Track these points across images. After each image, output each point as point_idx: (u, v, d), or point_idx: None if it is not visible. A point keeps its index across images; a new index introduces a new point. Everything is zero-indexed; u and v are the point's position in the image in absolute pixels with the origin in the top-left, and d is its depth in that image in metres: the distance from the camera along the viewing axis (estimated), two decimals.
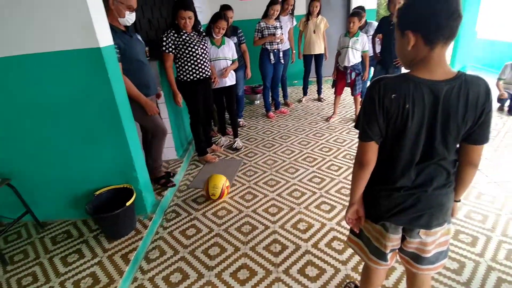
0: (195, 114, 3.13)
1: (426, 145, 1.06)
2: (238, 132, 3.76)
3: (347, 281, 1.79)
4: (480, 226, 2.13)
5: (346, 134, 3.82)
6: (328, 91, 5.45)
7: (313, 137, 3.79)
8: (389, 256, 1.26)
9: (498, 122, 3.85)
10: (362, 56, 3.89)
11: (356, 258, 1.93)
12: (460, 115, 1.00)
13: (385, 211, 1.18)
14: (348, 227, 1.62)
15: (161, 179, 2.77)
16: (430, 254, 1.20)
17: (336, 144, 3.55)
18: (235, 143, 3.64)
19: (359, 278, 1.74)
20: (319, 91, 5.18)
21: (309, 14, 4.56)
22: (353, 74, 3.90)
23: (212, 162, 3.35)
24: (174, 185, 2.81)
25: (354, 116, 4.33)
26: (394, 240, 1.21)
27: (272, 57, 4.17)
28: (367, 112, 1.08)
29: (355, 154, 1.21)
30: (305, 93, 5.24)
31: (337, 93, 4.15)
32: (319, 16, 4.57)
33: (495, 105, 4.18)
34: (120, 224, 2.11)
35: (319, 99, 5.18)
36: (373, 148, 1.10)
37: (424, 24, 0.96)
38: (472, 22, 5.77)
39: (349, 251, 1.99)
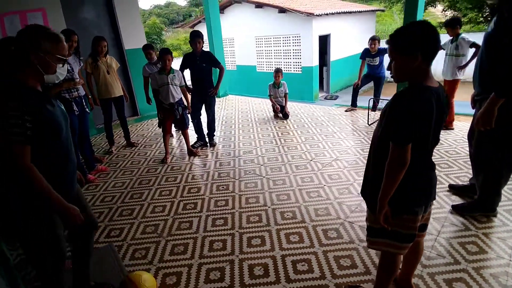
0: None
1: (433, 138, 1.41)
2: None
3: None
4: None
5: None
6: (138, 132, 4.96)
7: (169, 184, 3.43)
8: None
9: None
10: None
11: None
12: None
13: (417, 198, 1.44)
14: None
15: None
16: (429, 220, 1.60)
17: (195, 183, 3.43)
18: None
19: None
20: (126, 136, 4.63)
21: (96, 54, 3.97)
22: (180, 109, 3.86)
23: None
24: None
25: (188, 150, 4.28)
26: (421, 219, 1.51)
27: (75, 107, 3.32)
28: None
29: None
30: (112, 142, 4.51)
31: (167, 131, 3.97)
32: (107, 56, 4.09)
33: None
34: None
35: (131, 145, 4.64)
36: (409, 149, 1.32)
37: (429, 48, 1.29)
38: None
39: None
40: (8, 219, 1.59)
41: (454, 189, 2.84)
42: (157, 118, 4.32)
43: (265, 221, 2.62)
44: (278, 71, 5.50)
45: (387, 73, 9.51)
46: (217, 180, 3.41)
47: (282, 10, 11.31)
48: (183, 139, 4.25)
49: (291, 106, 6.00)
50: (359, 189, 2.89)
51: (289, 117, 5.45)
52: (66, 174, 1.52)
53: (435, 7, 18.29)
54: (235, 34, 13.15)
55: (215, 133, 4.55)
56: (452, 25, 4.12)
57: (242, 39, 13.08)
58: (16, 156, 1.28)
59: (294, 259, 2.16)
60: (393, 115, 1.32)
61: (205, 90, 4.15)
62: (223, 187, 3.24)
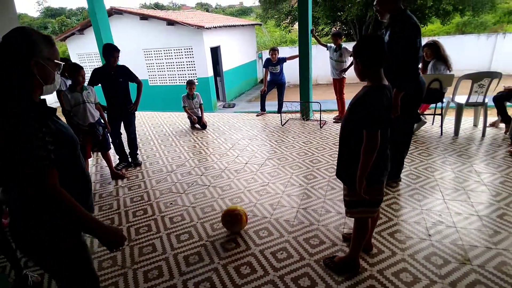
0: None
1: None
2: None
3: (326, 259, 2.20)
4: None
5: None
6: None
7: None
8: None
9: None
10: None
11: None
12: None
13: (382, 173, 1.84)
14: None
15: None
16: None
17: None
18: None
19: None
20: None
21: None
22: (101, 129, 3.52)
23: None
24: None
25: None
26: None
27: None
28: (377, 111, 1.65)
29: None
30: None
31: (88, 156, 3.56)
32: None
33: None
34: None
35: None
36: (379, 134, 1.69)
37: (366, 57, 1.68)
38: None
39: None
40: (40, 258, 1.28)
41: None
42: None
43: None
44: (191, 83, 5.52)
45: (291, 79, 10.48)
46: (161, 197, 3.27)
47: (170, 23, 11.23)
48: (102, 162, 3.86)
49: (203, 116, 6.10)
50: (300, 181, 3.31)
51: (207, 127, 5.54)
52: (88, 192, 1.34)
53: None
54: (119, 47, 12.26)
55: (138, 152, 4.28)
56: (335, 37, 5.06)
57: (128, 52, 12.29)
58: (45, 182, 1.07)
59: (272, 251, 2.34)
60: (365, 109, 1.67)
61: (124, 107, 3.89)
62: (171, 203, 3.13)
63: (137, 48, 12.10)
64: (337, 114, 5.57)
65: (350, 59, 5.17)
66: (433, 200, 2.81)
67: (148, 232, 2.71)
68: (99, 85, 3.79)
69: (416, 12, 13.52)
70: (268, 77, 6.18)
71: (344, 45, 5.15)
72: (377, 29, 15.15)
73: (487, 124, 4.18)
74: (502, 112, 4.09)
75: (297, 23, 21.02)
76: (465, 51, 12.04)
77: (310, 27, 5.15)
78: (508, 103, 4.03)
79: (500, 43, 12.41)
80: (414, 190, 2.99)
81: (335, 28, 18.85)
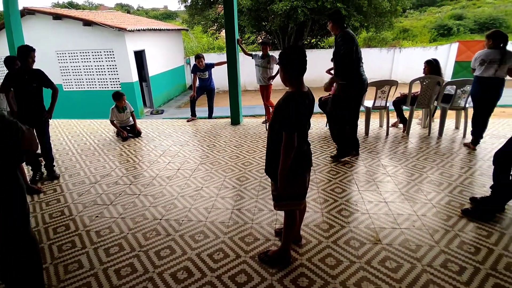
0: None
1: (308, 125, 2.04)
2: None
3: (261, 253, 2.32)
4: None
5: None
6: None
7: None
8: None
9: None
10: None
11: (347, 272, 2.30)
12: None
13: (303, 169, 2.04)
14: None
15: None
16: None
17: None
18: None
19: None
20: None
21: None
22: None
23: None
24: None
25: None
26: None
27: None
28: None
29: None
30: None
31: None
32: None
33: None
34: None
35: None
36: (296, 136, 1.89)
37: (289, 66, 1.88)
38: None
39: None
40: None
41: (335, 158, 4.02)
42: None
43: (164, 232, 2.65)
44: (121, 96, 5.08)
45: (220, 85, 10.56)
46: (84, 211, 3.03)
47: (87, 23, 10.38)
48: None
49: None
50: (233, 183, 3.42)
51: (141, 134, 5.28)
52: None
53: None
54: None
55: (54, 163, 3.88)
56: (264, 45, 5.32)
57: (39, 54, 10.95)
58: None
59: (209, 252, 2.38)
60: (284, 113, 1.84)
61: (38, 115, 3.51)
62: (97, 216, 2.93)
63: (49, 50, 10.85)
64: (265, 119, 5.83)
65: (276, 67, 5.50)
66: (350, 192, 3.19)
67: (72, 249, 2.49)
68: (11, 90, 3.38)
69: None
70: (197, 83, 6.20)
71: (271, 53, 5.45)
72: (299, 40, 16.33)
73: (390, 125, 4.88)
74: (399, 114, 4.82)
75: (224, 30, 21.20)
76: (371, 62, 13.73)
77: (237, 36, 5.34)
78: (404, 107, 4.77)
79: (397, 56, 14.52)
80: (335, 184, 3.34)
81: (261, 37, 19.70)
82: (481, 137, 4.10)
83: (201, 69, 6.00)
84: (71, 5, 33.99)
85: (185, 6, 17.51)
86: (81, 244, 2.55)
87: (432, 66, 4.45)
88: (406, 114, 4.77)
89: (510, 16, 23.09)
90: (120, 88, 11.22)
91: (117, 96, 5.08)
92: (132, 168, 3.97)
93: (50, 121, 3.73)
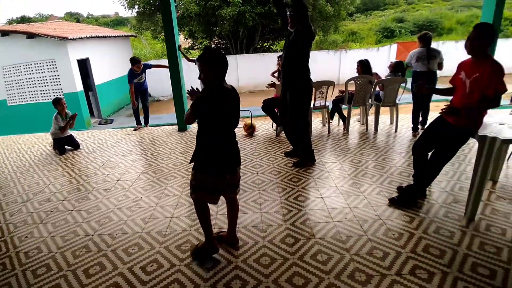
0: None
1: (224, 122, 2.11)
2: None
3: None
4: None
5: None
6: None
7: None
8: None
9: None
10: None
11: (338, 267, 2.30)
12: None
13: (213, 166, 2.13)
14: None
15: None
16: None
17: None
18: None
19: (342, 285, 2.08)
20: None
21: None
22: None
23: None
24: None
25: None
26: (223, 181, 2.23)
27: None
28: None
29: None
30: None
31: None
32: None
33: None
34: None
35: None
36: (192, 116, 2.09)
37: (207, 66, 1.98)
38: None
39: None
40: None
41: (288, 155, 4.11)
42: None
43: (95, 248, 2.52)
44: (60, 101, 4.83)
45: (152, 87, 10.07)
46: (15, 231, 2.80)
47: (31, 36, 9.72)
48: None
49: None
50: (174, 191, 3.35)
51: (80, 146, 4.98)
52: None
53: (179, 35, 21.24)
54: None
55: None
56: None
57: None
58: None
59: (142, 265, 2.30)
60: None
61: None
62: (26, 237, 2.71)
63: None
64: None
65: None
66: (289, 190, 3.27)
67: (3, 271, 2.30)
68: None
69: (279, 30, 15.40)
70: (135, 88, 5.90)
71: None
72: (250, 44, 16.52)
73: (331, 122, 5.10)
74: (339, 112, 5.07)
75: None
76: (319, 64, 14.31)
77: (177, 41, 5.27)
78: (343, 106, 5.02)
79: (343, 58, 15.28)
80: (276, 184, 3.41)
81: (214, 42, 19.65)
82: (422, 125, 4.70)
83: (138, 73, 5.73)
84: (23, 20, 31.73)
85: (134, 12, 17.00)
86: (11, 266, 2.35)
87: (364, 66, 4.74)
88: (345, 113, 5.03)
89: (445, 18, 25.43)
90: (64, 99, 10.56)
91: (57, 101, 4.79)
92: (67, 183, 3.73)
93: None
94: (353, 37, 26.55)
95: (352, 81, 4.66)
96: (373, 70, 4.84)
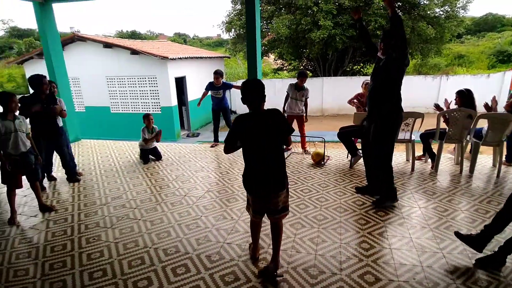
0: None
1: (256, 145, 2.23)
2: None
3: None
4: None
5: None
6: None
7: None
8: None
9: None
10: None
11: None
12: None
13: (249, 184, 2.32)
14: None
15: None
16: None
17: None
18: None
19: None
20: None
21: None
22: (33, 158, 3.47)
23: None
24: None
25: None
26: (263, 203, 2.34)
27: None
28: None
29: None
30: None
31: (17, 186, 3.44)
32: None
33: None
34: None
35: None
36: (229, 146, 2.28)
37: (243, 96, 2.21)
38: None
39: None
40: None
41: (361, 191, 3.72)
42: None
43: (149, 261, 2.62)
44: (149, 116, 5.35)
45: (237, 105, 11.02)
46: (85, 232, 3.13)
47: (135, 52, 11.33)
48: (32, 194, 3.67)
49: (157, 147, 6.01)
50: (233, 214, 3.33)
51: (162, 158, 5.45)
52: None
53: (268, 57, 22.21)
54: (81, 73, 12.16)
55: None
56: (301, 77, 5.29)
57: (90, 78, 12.21)
58: None
59: None
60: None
61: (57, 134, 4.16)
62: (94, 239, 3.01)
63: (100, 75, 12.01)
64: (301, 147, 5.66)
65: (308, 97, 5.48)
66: (353, 233, 2.91)
67: (61, 269, 2.56)
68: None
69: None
70: (213, 103, 6.18)
71: (307, 86, 5.46)
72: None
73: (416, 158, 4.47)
74: (427, 148, 4.40)
75: (267, 56, 21.61)
76: (412, 90, 13.02)
77: (260, 65, 5.42)
78: (433, 140, 4.36)
79: (444, 84, 13.60)
80: (339, 223, 3.08)
81: (302, 64, 19.87)
82: None
83: (217, 87, 5.94)
84: (134, 35, 37.67)
85: (231, 35, 18.45)
86: (71, 265, 2.61)
87: (464, 97, 4.05)
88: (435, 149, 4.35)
89: None
90: (160, 112, 11.92)
91: (145, 116, 5.33)
92: (142, 192, 4.07)
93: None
94: (459, 60, 23.68)
95: (447, 114, 4.02)
96: (479, 101, 4.07)
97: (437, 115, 4.10)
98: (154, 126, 5.41)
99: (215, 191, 3.99)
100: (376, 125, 3.25)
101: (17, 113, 3.43)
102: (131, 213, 3.49)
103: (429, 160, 4.53)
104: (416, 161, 4.49)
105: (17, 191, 3.51)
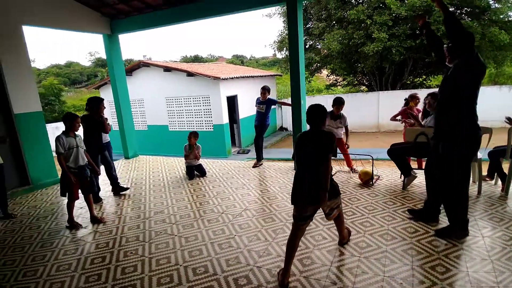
0: None
1: (305, 160, 2.42)
2: None
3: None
4: None
5: None
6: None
7: None
8: None
9: None
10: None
11: None
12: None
13: (294, 194, 2.51)
14: None
15: None
16: None
17: None
18: None
19: None
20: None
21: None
22: (88, 172, 3.79)
23: None
24: None
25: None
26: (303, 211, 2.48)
27: None
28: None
29: None
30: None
31: (75, 198, 3.76)
32: None
33: None
34: None
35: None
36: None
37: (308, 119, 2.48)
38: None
39: None
40: None
41: (414, 214, 3.32)
42: (57, 185, 3.99)
43: (177, 280, 2.59)
44: (195, 134, 5.55)
45: (288, 122, 10.87)
46: (124, 245, 3.25)
47: (190, 74, 12.06)
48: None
49: (204, 163, 6.15)
50: (267, 235, 3.18)
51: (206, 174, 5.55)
52: None
53: (321, 73, 21.92)
54: (145, 95, 13.30)
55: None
56: (337, 105, 5.06)
57: (152, 100, 13.27)
58: None
59: None
60: None
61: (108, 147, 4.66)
62: (131, 252, 3.09)
63: (160, 96, 12.99)
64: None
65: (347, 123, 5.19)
66: (399, 265, 2.54)
67: (95, 282, 2.66)
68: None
69: (435, 63, 13.52)
70: (256, 120, 6.15)
71: (343, 113, 5.17)
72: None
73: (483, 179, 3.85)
74: (497, 168, 3.77)
75: (320, 72, 21.39)
76: (484, 102, 11.56)
77: (304, 82, 5.30)
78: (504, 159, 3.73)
79: None
80: (384, 253, 2.73)
81: (357, 79, 19.18)
82: None
83: (262, 101, 5.95)
84: (196, 59, 40.33)
85: (283, 54, 18.70)
86: (105, 279, 2.70)
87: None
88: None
89: None
90: (213, 129, 12.36)
91: (189, 135, 5.54)
92: (183, 207, 4.14)
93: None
94: None
95: None
96: None
97: (508, 130, 3.51)
98: (197, 144, 5.57)
99: (253, 210, 3.88)
100: (449, 145, 2.79)
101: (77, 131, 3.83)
102: (169, 228, 3.55)
103: (499, 181, 3.87)
104: (482, 183, 3.87)
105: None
